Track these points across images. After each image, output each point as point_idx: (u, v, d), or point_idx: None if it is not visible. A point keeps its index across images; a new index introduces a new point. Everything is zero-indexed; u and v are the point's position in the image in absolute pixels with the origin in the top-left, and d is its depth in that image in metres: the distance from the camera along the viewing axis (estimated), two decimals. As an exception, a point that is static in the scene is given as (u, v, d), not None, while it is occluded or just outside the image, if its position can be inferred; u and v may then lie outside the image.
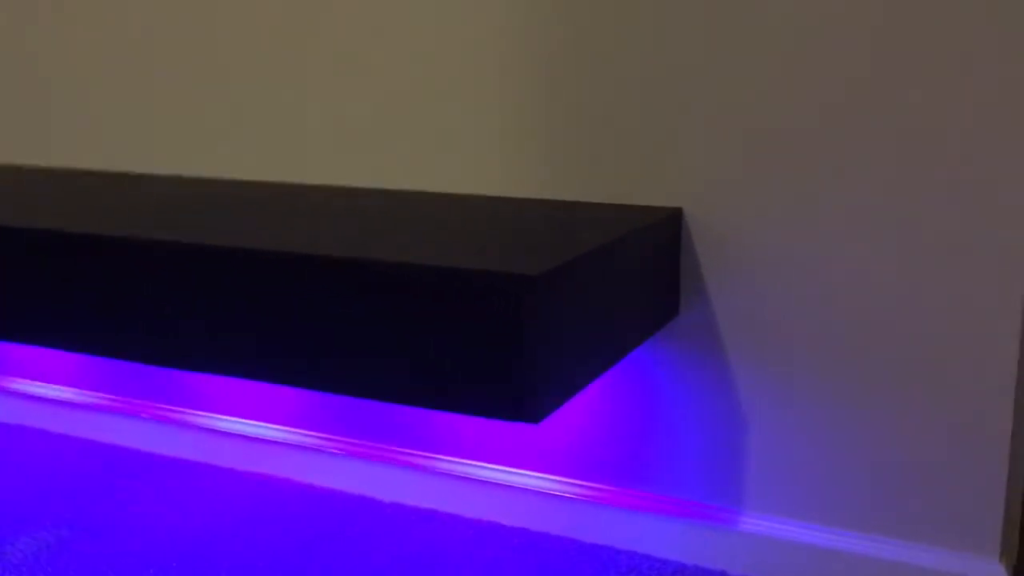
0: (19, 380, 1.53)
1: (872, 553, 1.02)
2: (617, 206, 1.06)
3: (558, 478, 1.18)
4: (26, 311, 0.94)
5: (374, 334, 0.77)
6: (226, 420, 1.38)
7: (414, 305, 0.75)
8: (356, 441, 1.30)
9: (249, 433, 1.35)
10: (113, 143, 1.38)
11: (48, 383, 1.51)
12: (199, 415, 1.40)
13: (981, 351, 0.95)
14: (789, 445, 1.06)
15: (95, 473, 1.34)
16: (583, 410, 1.16)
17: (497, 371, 0.73)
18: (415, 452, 1.26)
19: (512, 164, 1.13)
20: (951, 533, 1.00)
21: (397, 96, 1.17)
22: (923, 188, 0.95)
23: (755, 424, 1.07)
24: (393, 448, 1.28)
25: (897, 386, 0.99)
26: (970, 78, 0.91)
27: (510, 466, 1.21)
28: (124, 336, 0.89)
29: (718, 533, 1.09)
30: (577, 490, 1.17)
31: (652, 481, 1.13)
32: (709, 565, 1.09)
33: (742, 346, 1.06)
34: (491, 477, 1.21)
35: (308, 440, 1.32)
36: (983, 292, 0.94)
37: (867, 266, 0.98)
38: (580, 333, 0.81)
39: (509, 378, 0.72)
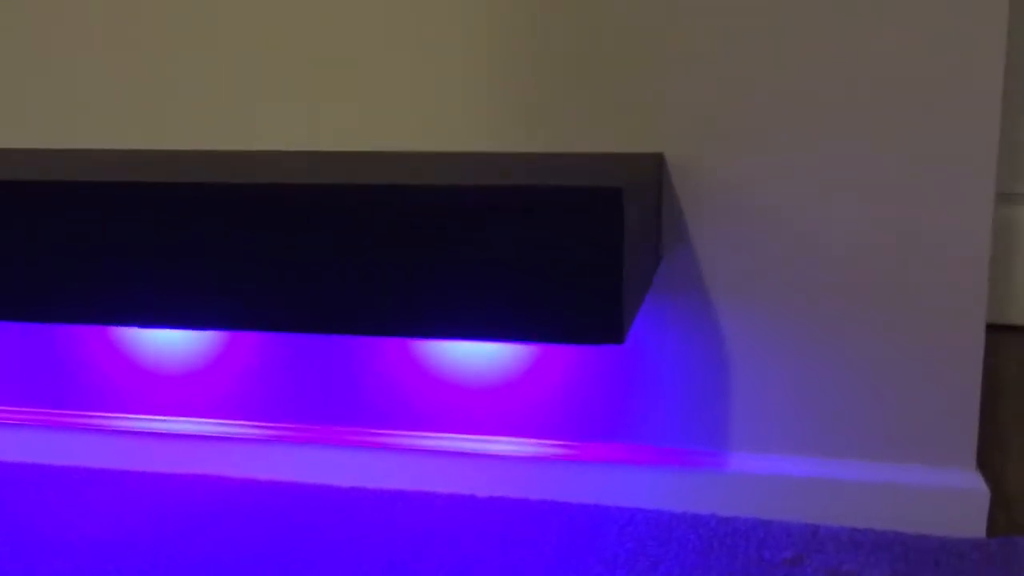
0: None
1: (858, 477, 1.07)
2: (603, 155, 1.05)
3: (537, 441, 1.15)
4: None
5: (458, 266, 0.72)
6: (137, 420, 1.24)
7: (501, 231, 0.71)
8: (297, 427, 1.20)
9: (169, 430, 1.22)
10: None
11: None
12: (97, 417, 1.24)
13: (952, 275, 1.02)
14: (771, 383, 1.09)
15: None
16: (558, 366, 1.13)
17: (590, 291, 0.70)
18: (371, 431, 1.19)
19: (492, 119, 1.09)
20: (931, 449, 1.06)
21: (374, 51, 1.11)
22: (893, 127, 1.01)
23: (736, 366, 1.09)
24: (342, 428, 1.19)
25: (873, 316, 1.05)
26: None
27: (479, 434, 1.16)
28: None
29: (707, 477, 1.10)
30: (557, 451, 1.14)
31: (636, 433, 1.13)
32: (702, 510, 1.10)
33: (722, 289, 1.07)
34: (458, 448, 1.16)
35: (240, 432, 1.21)
36: (951, 219, 1.01)
37: (842, 204, 1.03)
38: (638, 258, 0.80)
39: (603, 297, 0.70)
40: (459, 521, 1.08)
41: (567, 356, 1.12)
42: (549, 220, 0.70)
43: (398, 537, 1.05)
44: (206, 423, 1.23)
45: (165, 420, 1.24)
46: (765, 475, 1.09)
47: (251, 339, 1.20)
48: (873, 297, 1.04)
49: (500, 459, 1.14)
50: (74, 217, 0.82)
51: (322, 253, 0.78)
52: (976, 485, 1.04)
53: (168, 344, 1.23)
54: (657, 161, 1.04)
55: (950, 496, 1.04)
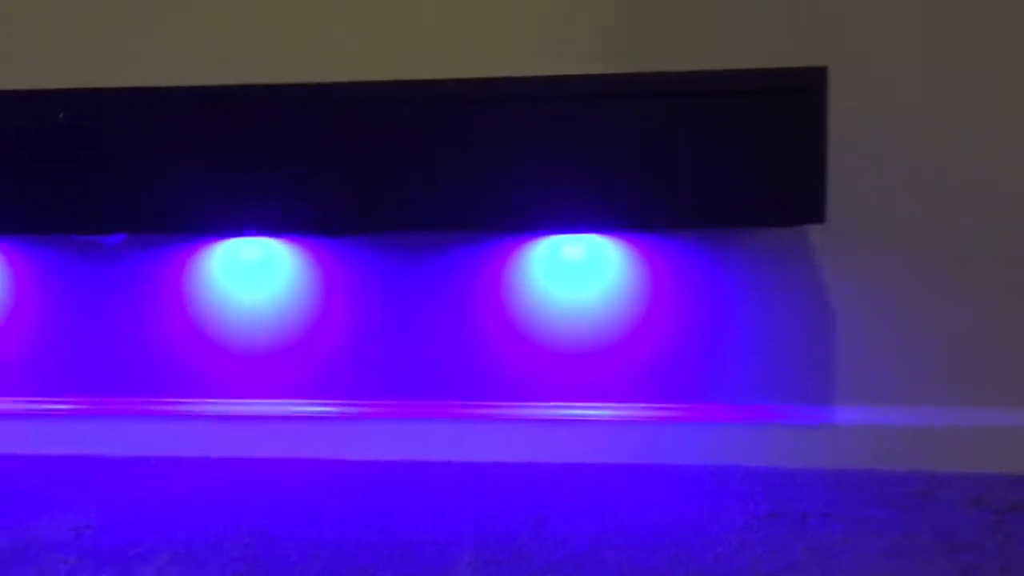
0: None
1: (955, 422, 1.14)
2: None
3: (644, 405, 1.22)
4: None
5: (660, 155, 0.78)
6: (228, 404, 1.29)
7: (706, 115, 0.77)
8: (384, 403, 1.26)
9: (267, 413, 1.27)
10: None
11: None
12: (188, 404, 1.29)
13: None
14: (871, 336, 1.16)
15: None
16: (659, 329, 1.19)
17: (793, 169, 0.76)
18: (475, 403, 1.24)
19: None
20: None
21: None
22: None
23: (840, 321, 1.15)
24: (433, 403, 1.25)
25: (967, 267, 1.13)
26: None
27: (583, 401, 1.21)
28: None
29: (814, 432, 1.14)
30: (665, 414, 1.20)
31: (732, 391, 1.19)
32: (807, 465, 1.14)
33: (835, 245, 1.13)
34: (563, 415, 1.22)
35: (331, 411, 1.26)
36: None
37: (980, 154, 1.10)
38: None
39: (807, 175, 0.76)
40: (586, 489, 1.13)
41: (665, 318, 1.17)
42: (754, 102, 0.75)
43: (542, 505, 1.10)
44: (304, 404, 1.27)
45: (257, 403, 1.29)
46: (867, 425, 1.16)
47: (341, 316, 1.26)
48: (971, 252, 1.11)
49: (607, 424, 1.21)
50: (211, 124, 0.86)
51: (521, 146, 0.84)
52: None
53: (257, 325, 1.28)
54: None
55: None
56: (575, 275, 1.21)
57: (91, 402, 1.30)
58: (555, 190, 0.83)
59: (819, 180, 0.78)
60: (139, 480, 1.17)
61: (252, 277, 1.25)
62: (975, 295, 1.14)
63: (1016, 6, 1.09)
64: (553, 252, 1.21)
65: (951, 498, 1.07)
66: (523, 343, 1.23)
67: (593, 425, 1.22)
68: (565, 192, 0.83)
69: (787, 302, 1.18)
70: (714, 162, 0.80)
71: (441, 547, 0.95)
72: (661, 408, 1.22)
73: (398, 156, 0.87)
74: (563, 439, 1.22)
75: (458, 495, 1.11)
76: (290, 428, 1.26)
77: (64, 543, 0.96)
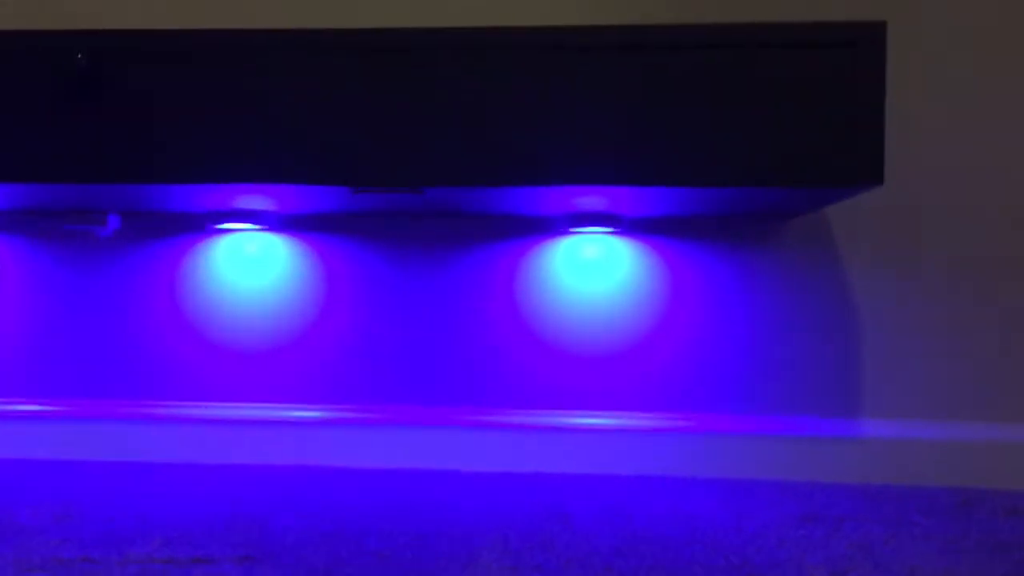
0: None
1: (992, 437, 1.09)
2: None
3: (665, 415, 1.16)
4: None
5: (715, 112, 0.76)
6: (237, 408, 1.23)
7: (762, 70, 0.76)
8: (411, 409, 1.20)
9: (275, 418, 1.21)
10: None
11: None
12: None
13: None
14: (902, 347, 1.10)
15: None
16: (680, 337, 1.14)
17: (852, 128, 0.74)
18: (495, 411, 1.19)
19: None
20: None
21: None
22: None
23: (872, 333, 1.10)
24: (461, 410, 1.19)
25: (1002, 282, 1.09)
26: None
27: (599, 409, 1.16)
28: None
29: (848, 445, 1.10)
30: (686, 423, 1.15)
31: (768, 403, 1.13)
32: (836, 479, 1.09)
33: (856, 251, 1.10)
34: (582, 424, 1.16)
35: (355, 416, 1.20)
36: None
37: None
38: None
39: (866, 134, 0.75)
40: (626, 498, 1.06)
41: (686, 327, 1.13)
42: (811, 56, 0.75)
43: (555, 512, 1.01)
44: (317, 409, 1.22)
45: (257, 407, 1.23)
46: (902, 440, 1.09)
47: (352, 321, 1.22)
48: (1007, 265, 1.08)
49: (627, 433, 1.15)
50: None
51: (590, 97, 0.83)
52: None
53: (270, 329, 1.22)
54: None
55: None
56: (592, 277, 1.18)
57: (76, 405, 1.23)
58: (617, 144, 0.81)
59: (877, 139, 0.76)
60: (134, 481, 1.09)
61: (251, 272, 1.21)
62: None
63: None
64: (570, 253, 1.19)
65: (993, 508, 1.02)
66: (537, 348, 1.19)
67: (616, 435, 1.17)
68: (626, 145, 0.81)
69: (817, 312, 1.15)
70: (771, 118, 0.78)
71: (458, 537, 0.88)
72: (682, 418, 1.18)
73: (449, 106, 0.85)
74: (581, 448, 1.16)
75: (475, 499, 1.05)
76: (292, 433, 1.20)
77: (44, 529, 0.88)
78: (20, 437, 1.20)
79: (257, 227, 1.19)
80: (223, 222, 1.17)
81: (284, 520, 0.93)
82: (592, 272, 1.20)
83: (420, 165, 0.86)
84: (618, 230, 1.18)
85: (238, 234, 1.23)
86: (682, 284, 1.18)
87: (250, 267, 1.22)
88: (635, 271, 1.19)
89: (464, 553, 0.83)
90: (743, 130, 0.79)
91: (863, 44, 0.75)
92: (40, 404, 1.23)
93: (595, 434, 1.17)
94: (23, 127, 0.90)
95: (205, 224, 1.20)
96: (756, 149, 0.79)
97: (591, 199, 0.99)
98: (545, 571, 0.78)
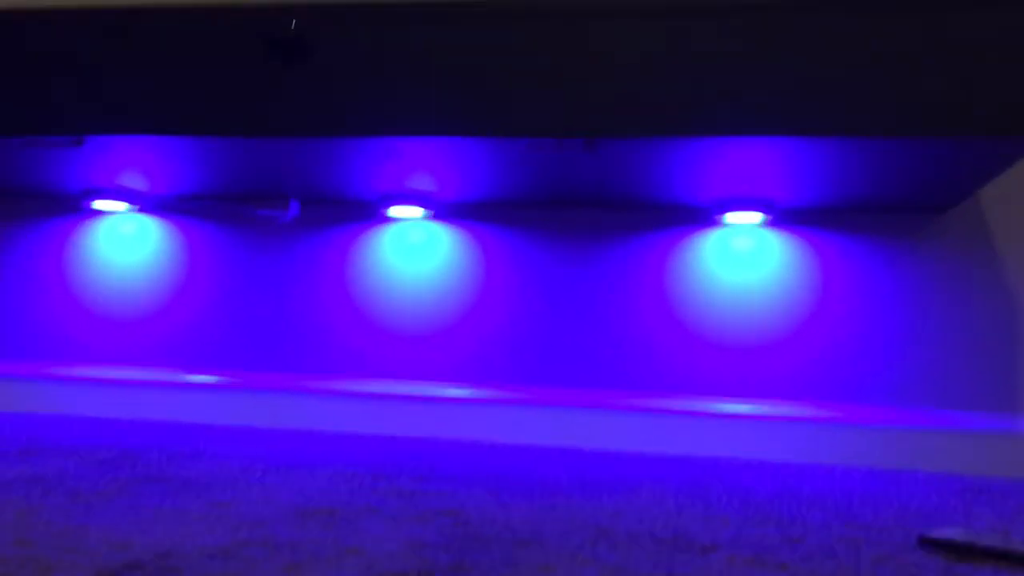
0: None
1: None
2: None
3: (807, 405, 1.15)
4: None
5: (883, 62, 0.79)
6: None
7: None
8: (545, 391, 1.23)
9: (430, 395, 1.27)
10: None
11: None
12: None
13: None
14: None
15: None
16: (826, 328, 1.14)
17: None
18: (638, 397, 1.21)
19: None
20: None
21: None
22: None
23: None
24: (609, 393, 1.22)
25: None
26: None
27: (746, 397, 1.17)
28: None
29: (999, 441, 1.07)
30: (831, 414, 1.14)
31: (921, 397, 1.12)
32: (1002, 474, 1.07)
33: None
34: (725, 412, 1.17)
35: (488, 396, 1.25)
36: None
37: None
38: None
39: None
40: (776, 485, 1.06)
41: (838, 319, 1.14)
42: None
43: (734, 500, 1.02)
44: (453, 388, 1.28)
45: (410, 385, 1.29)
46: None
47: (508, 307, 1.27)
48: None
49: (762, 422, 1.15)
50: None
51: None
52: None
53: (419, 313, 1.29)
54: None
55: None
56: (743, 268, 1.20)
57: (253, 377, 1.33)
58: (798, 94, 0.84)
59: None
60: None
61: (415, 260, 1.28)
62: None
63: None
64: (721, 244, 1.22)
65: None
66: (686, 337, 1.22)
67: (771, 424, 1.18)
68: (806, 96, 0.84)
69: (973, 306, 1.14)
70: (950, 69, 0.80)
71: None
72: (830, 408, 1.18)
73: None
74: (735, 435, 1.19)
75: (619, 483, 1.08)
76: (441, 409, 1.26)
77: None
78: (205, 404, 1.31)
79: (423, 213, 1.28)
80: (392, 205, 1.26)
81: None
82: (743, 263, 1.22)
83: (594, 115, 0.91)
84: (770, 218, 1.20)
85: (404, 223, 1.31)
86: (834, 277, 1.19)
87: (414, 254, 1.30)
88: (786, 263, 1.21)
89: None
90: (927, 78, 0.81)
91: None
92: (221, 375, 1.34)
93: (740, 421, 1.19)
94: (233, 87, 0.98)
95: (376, 211, 1.29)
96: (946, 99, 0.80)
97: (750, 176, 1.01)
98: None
